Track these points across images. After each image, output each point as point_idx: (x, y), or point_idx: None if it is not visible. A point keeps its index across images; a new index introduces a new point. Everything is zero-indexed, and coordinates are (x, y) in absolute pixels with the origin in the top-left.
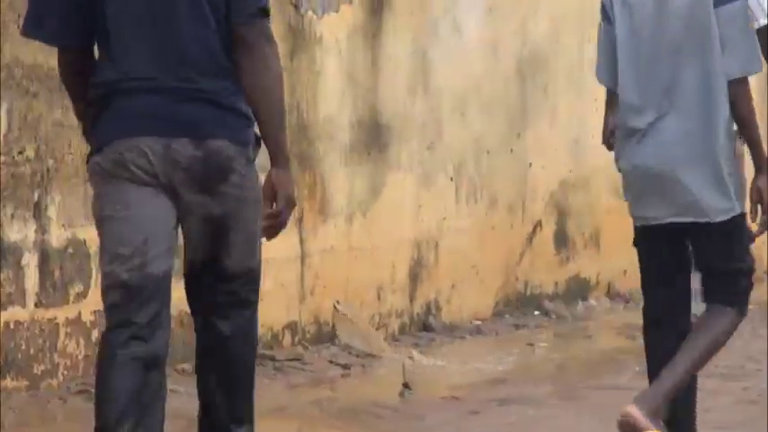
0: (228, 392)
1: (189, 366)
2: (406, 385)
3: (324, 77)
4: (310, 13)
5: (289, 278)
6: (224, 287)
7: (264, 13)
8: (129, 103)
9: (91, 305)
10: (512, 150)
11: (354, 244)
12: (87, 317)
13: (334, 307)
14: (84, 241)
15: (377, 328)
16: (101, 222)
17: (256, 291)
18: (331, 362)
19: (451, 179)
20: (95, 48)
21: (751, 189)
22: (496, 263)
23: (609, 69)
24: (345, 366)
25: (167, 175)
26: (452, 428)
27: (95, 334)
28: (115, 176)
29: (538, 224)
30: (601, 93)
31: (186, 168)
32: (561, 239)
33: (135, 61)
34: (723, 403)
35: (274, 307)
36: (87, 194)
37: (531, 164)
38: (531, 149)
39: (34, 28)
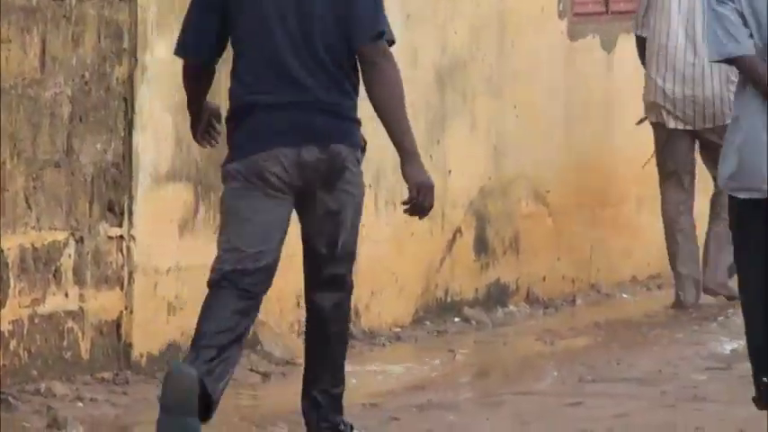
0: (324, 356)
1: (109, 375)
2: None
3: None
4: None
5: None
6: (330, 269)
7: (381, 35)
8: (263, 118)
9: (8, 315)
10: (431, 157)
11: None
12: (5, 326)
13: None
14: (1, 251)
15: (297, 336)
16: (228, 216)
17: (351, 273)
18: (251, 369)
19: (370, 186)
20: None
21: None
22: (416, 270)
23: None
24: (265, 374)
25: (298, 177)
26: None
27: (13, 344)
28: (250, 183)
29: (457, 231)
30: (520, 99)
31: (314, 170)
32: (481, 246)
33: (264, 82)
34: (640, 408)
35: (194, 315)
36: (3, 204)
37: (450, 171)
38: (451, 156)
39: (187, 51)
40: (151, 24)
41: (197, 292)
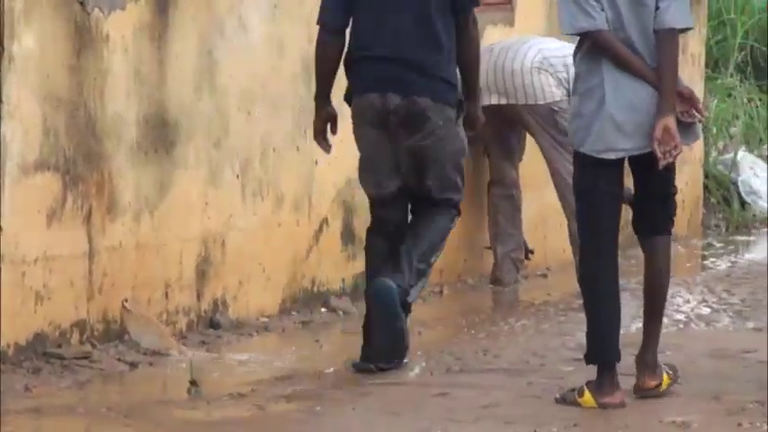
0: (417, 239)
1: None
2: (193, 382)
3: (111, 76)
4: (96, 10)
5: (76, 276)
6: (424, 204)
7: (474, 4)
8: (364, 69)
9: None
10: (298, 148)
11: (142, 242)
12: None
13: (123, 305)
14: None
15: (165, 326)
16: (358, 145)
17: (452, 207)
18: (119, 359)
19: (238, 177)
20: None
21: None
22: (283, 260)
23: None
24: (133, 364)
25: (386, 118)
26: (239, 425)
27: None
28: (359, 119)
29: (324, 221)
30: None
31: (396, 114)
32: (348, 236)
33: (369, 39)
34: (507, 398)
35: (62, 304)
36: None
37: (317, 161)
38: (318, 147)
39: (328, 18)
40: (18, 14)
41: (65, 281)
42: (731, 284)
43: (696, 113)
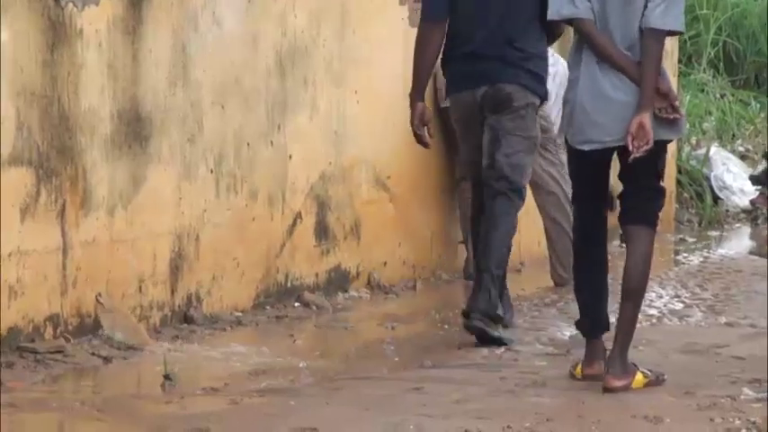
0: (488, 248)
1: None
2: (167, 377)
3: (85, 70)
4: (71, 5)
5: (50, 270)
6: (494, 183)
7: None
8: (456, 67)
9: None
10: (272, 143)
11: (116, 236)
12: None
13: (97, 299)
14: None
15: (138, 321)
16: (459, 137)
17: (516, 193)
18: (93, 354)
19: (212, 171)
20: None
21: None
22: (257, 255)
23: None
24: (107, 358)
25: (478, 107)
26: (214, 419)
27: None
28: (454, 115)
29: (298, 216)
30: (361, 85)
31: (484, 102)
32: (322, 231)
33: (462, 39)
34: (480, 393)
35: (35, 299)
36: None
37: (291, 156)
38: (291, 141)
39: (426, 7)
40: None
41: (39, 276)
42: (704, 280)
43: (673, 111)
